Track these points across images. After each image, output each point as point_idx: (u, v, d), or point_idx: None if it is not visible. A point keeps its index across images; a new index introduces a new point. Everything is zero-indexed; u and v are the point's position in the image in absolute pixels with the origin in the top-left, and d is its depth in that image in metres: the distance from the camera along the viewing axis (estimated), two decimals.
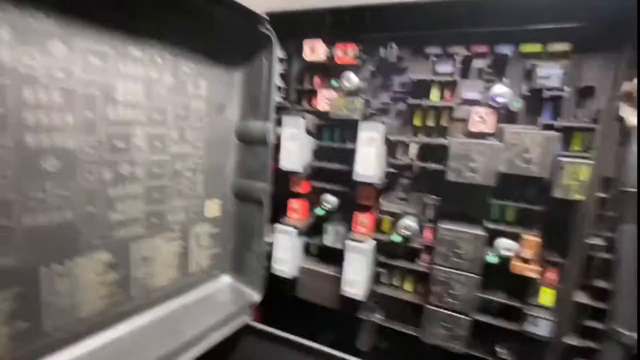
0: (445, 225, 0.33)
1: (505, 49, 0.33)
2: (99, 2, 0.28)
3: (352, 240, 0.36)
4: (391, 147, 0.37)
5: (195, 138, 0.39)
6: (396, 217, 0.38)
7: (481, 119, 0.32)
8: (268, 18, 0.37)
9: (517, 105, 0.32)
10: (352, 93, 0.37)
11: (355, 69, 0.38)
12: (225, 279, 0.45)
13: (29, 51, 0.25)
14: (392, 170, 0.37)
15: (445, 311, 0.33)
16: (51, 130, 0.27)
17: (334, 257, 0.41)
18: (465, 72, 0.34)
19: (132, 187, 0.33)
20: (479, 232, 0.32)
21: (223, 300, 0.42)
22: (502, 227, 0.33)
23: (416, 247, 0.36)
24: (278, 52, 0.40)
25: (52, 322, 0.29)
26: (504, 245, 0.32)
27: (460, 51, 0.34)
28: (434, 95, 0.35)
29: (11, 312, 0.26)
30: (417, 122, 0.36)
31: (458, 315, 0.33)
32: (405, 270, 0.38)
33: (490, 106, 0.32)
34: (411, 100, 0.35)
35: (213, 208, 0.43)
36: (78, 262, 0.30)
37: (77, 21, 0.27)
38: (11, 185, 0.25)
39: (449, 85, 0.34)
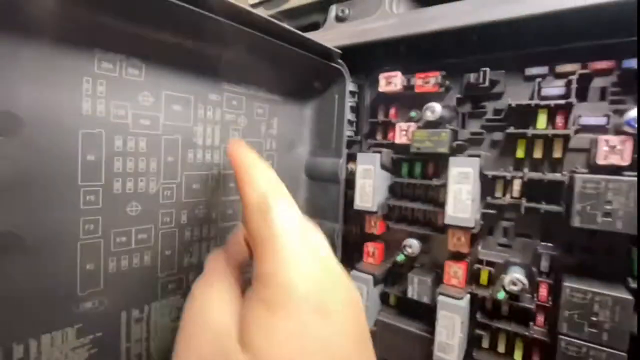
0: (573, 284, 0.26)
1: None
2: (182, 56, 0.29)
3: (445, 294, 0.31)
4: (487, 183, 0.31)
5: None
6: (497, 267, 0.31)
7: (611, 149, 0.26)
8: (341, 52, 0.35)
9: None
10: (436, 124, 0.33)
11: (437, 97, 0.35)
12: None
13: (121, 103, 0.26)
14: (489, 211, 0.31)
15: None
16: (136, 176, 0.27)
17: (418, 311, 0.35)
18: (582, 94, 0.28)
19: (206, 230, 0.33)
20: (624, 294, 0.24)
21: None
22: None
23: (527, 307, 0.29)
24: (349, 86, 0.38)
25: None
26: None
27: (574, 69, 0.28)
28: (541, 122, 0.29)
29: (91, 357, 0.26)
30: (520, 154, 0.30)
31: None
32: (513, 334, 0.30)
33: (624, 132, 0.26)
34: (512, 130, 0.30)
35: None
36: (154, 307, 0.29)
37: (164, 73, 0.28)
38: (99, 230, 0.25)
39: (561, 110, 0.29)
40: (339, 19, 0.40)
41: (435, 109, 0.32)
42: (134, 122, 0.27)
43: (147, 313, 0.29)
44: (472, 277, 0.33)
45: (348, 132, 0.39)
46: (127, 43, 0.25)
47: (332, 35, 0.39)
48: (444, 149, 0.31)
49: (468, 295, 0.31)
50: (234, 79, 0.33)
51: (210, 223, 0.33)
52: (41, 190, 0.23)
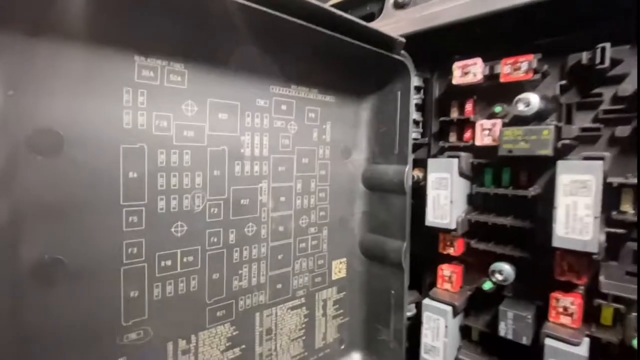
0: None
1: None
2: (227, 58, 0.26)
3: (554, 336, 0.24)
4: (609, 194, 0.24)
5: (319, 189, 0.34)
6: (627, 303, 0.24)
7: None
8: (404, 41, 0.30)
9: None
10: (528, 120, 0.26)
11: (528, 87, 0.28)
12: (355, 357, 0.37)
13: (164, 114, 0.23)
14: (614, 230, 0.24)
15: None
16: (180, 193, 0.25)
17: (511, 352, 0.28)
18: None
19: (256, 249, 0.29)
20: None
21: None
22: None
23: None
24: (414, 80, 0.33)
25: None
26: None
27: None
28: None
29: None
30: None
31: None
32: None
33: None
34: None
35: (339, 269, 0.36)
36: (202, 337, 0.27)
37: (208, 79, 0.25)
38: (142, 253, 0.23)
39: None
40: (398, 5, 0.35)
41: (530, 101, 0.26)
42: (178, 134, 0.24)
43: (195, 344, 0.26)
44: (589, 315, 0.25)
45: (413, 134, 0.33)
46: (168, 46, 0.23)
47: (390, 25, 0.34)
48: (546, 151, 0.25)
49: (587, 340, 0.24)
50: (282, 81, 0.30)
51: (261, 242, 0.29)
52: (82, 212, 0.21)
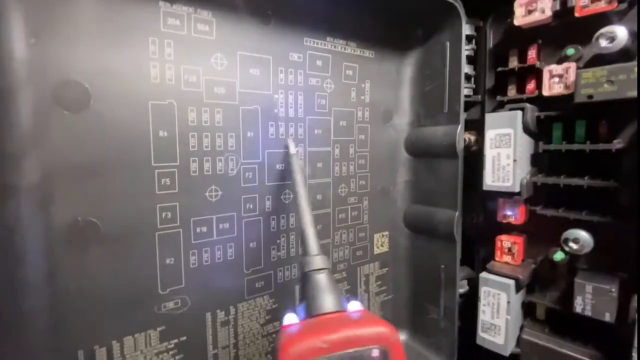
0: None
1: None
2: (258, 7, 0.24)
3: None
4: None
5: (359, 155, 0.31)
6: None
7: None
8: None
9: None
10: (613, 59, 0.22)
11: (610, 19, 0.23)
12: (401, 337, 0.35)
13: (192, 68, 0.21)
14: None
15: None
16: (213, 155, 0.23)
17: (588, 331, 0.25)
18: None
19: (293, 219, 0.27)
20: None
21: None
22: None
23: None
24: (465, 28, 0.29)
25: None
26: None
27: None
28: None
29: None
30: None
31: None
32: None
33: None
34: None
35: (381, 242, 0.34)
36: (241, 309, 0.25)
37: (238, 30, 0.23)
38: (177, 218, 0.22)
39: None
40: None
41: (617, 34, 0.21)
42: (208, 91, 0.22)
43: (234, 315, 0.25)
44: None
45: (465, 90, 0.29)
46: None
47: None
48: (634, 92, 0.20)
49: None
50: (317, 32, 0.27)
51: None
52: (113, 172, 0.19)
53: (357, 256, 0.32)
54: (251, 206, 0.25)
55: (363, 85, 0.31)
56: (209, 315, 0.24)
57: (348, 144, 0.30)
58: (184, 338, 0.23)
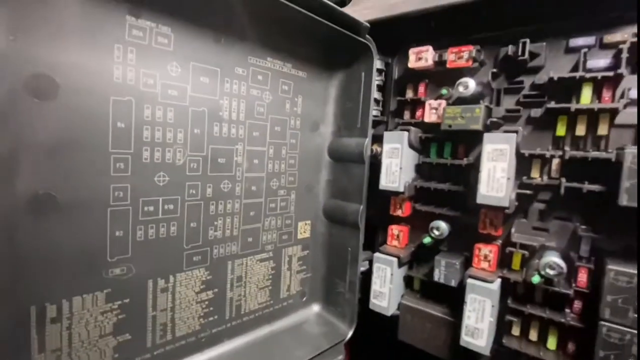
0: (618, 267, 0.24)
1: None
2: (210, 27, 0.29)
3: (474, 277, 0.29)
4: (523, 163, 0.30)
5: (290, 156, 0.38)
6: (531, 251, 0.30)
7: None
8: (369, 26, 0.34)
9: None
10: (468, 100, 0.32)
11: (470, 73, 0.33)
12: (315, 308, 0.42)
13: (151, 72, 0.26)
14: (525, 191, 0.30)
15: None
16: (164, 146, 0.27)
17: (444, 295, 0.34)
18: (632, 64, 0.26)
19: (230, 204, 0.33)
20: None
21: (313, 332, 0.39)
22: None
23: (564, 293, 0.28)
24: (377, 63, 0.37)
25: (153, 338, 0.28)
26: None
27: (624, 38, 0.26)
28: (586, 96, 0.27)
29: (119, 322, 0.26)
30: (560, 131, 0.28)
31: None
32: (546, 321, 0.29)
33: None
34: (553, 105, 0.28)
35: (304, 229, 0.40)
36: (179, 278, 0.30)
37: (192, 45, 0.28)
38: (128, 197, 0.26)
39: (608, 83, 0.27)
40: None
41: (468, 84, 0.31)
42: (163, 92, 0.27)
43: (173, 283, 0.29)
44: (504, 262, 0.31)
45: (374, 111, 0.38)
46: (157, 10, 0.25)
47: (359, 12, 0.38)
48: (477, 126, 0.30)
49: (499, 280, 0.30)
50: (260, 53, 0.33)
51: (235, 198, 0.33)
52: (73, 154, 0.23)
53: (283, 239, 0.38)
54: (194, 192, 0.30)
55: (296, 99, 0.37)
56: (150, 282, 0.28)
57: (281, 146, 0.37)
58: (127, 300, 0.27)
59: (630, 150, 0.23)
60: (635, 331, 0.24)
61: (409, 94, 0.37)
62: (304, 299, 0.41)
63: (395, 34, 0.37)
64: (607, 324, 0.24)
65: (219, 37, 0.29)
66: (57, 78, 0.22)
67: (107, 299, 0.26)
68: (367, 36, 0.35)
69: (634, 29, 0.26)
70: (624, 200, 0.23)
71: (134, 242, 0.26)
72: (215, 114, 0.30)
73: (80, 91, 0.23)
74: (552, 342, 0.29)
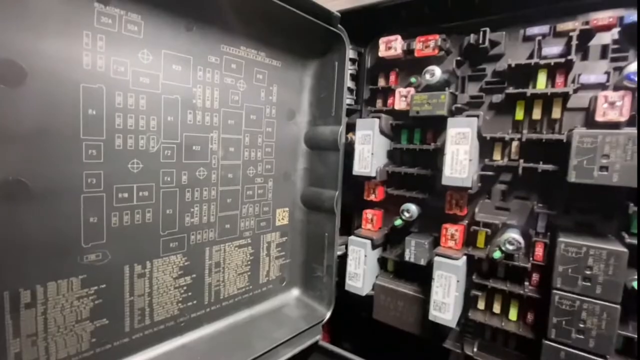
0: (568, 239, 0.26)
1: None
2: (181, 15, 0.29)
3: (441, 255, 0.31)
4: (486, 146, 0.31)
5: (266, 144, 0.38)
6: (493, 229, 0.32)
7: (610, 105, 0.26)
8: (340, 16, 0.35)
9: None
10: (435, 88, 0.33)
11: (437, 61, 0.34)
12: (294, 292, 0.43)
13: (121, 60, 0.26)
14: (487, 173, 0.31)
15: (572, 350, 0.26)
16: (136, 133, 0.28)
17: (415, 274, 0.36)
18: (582, 51, 0.28)
19: (207, 192, 0.33)
20: (619, 247, 0.24)
21: (292, 315, 0.40)
22: None
23: (523, 266, 0.30)
24: (349, 52, 0.38)
25: (131, 323, 0.29)
26: None
27: (574, 26, 0.28)
28: (541, 82, 0.29)
29: (96, 307, 0.27)
30: (519, 115, 0.30)
31: (591, 356, 0.25)
32: (508, 294, 0.31)
33: (624, 88, 0.25)
34: (511, 90, 0.30)
35: (282, 216, 0.41)
36: (156, 264, 0.30)
37: (163, 33, 0.28)
38: (101, 184, 0.26)
39: (561, 69, 0.28)
40: None
41: (434, 72, 0.32)
42: (134, 80, 0.27)
43: (150, 269, 0.30)
44: (469, 240, 0.33)
45: (348, 100, 0.39)
46: None
47: (330, 2, 0.39)
48: (442, 112, 0.31)
49: (464, 257, 0.32)
50: (232, 41, 0.33)
51: (211, 186, 0.33)
52: (45, 141, 0.23)
53: (261, 226, 0.39)
54: (169, 179, 0.30)
55: (271, 88, 0.38)
56: (127, 268, 0.28)
57: (257, 134, 0.37)
58: (104, 286, 0.27)
59: (578, 130, 0.25)
60: (585, 297, 0.26)
61: (381, 83, 0.38)
62: (284, 283, 0.42)
63: (367, 24, 0.38)
64: (559, 292, 0.26)
65: (191, 25, 0.30)
66: (24, 64, 0.22)
67: (82, 285, 0.26)
68: (339, 26, 0.36)
69: (585, 17, 0.28)
70: (572, 177, 0.25)
71: (109, 228, 0.27)
72: (188, 101, 0.31)
73: (49, 78, 0.23)
74: (513, 313, 0.31)
